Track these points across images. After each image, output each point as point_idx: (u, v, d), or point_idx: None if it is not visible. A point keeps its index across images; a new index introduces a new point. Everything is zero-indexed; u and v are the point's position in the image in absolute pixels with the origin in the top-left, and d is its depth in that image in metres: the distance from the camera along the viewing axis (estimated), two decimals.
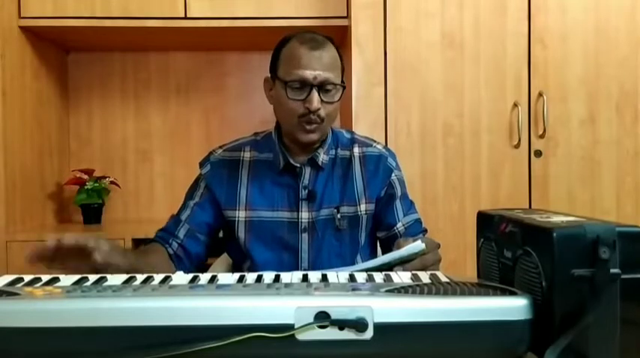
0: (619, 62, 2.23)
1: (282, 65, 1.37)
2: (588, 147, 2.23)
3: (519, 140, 2.21)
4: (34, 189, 2.47)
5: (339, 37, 2.42)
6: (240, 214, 1.41)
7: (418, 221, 1.49)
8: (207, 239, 1.44)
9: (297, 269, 1.40)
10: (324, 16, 2.35)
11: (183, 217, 1.43)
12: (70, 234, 1.07)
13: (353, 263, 1.43)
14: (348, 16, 2.29)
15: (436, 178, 2.22)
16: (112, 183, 2.68)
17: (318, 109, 1.32)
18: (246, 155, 1.46)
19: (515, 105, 2.22)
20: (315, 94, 1.32)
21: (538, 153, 2.23)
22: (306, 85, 1.32)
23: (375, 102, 2.21)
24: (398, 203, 1.47)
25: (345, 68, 1.44)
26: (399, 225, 1.45)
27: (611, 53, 2.23)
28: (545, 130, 2.21)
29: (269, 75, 1.43)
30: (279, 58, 1.38)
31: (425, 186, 2.21)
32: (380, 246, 1.53)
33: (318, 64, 1.32)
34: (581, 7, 2.22)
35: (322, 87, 1.33)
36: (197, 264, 1.43)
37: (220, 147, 1.50)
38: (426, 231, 1.51)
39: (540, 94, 2.22)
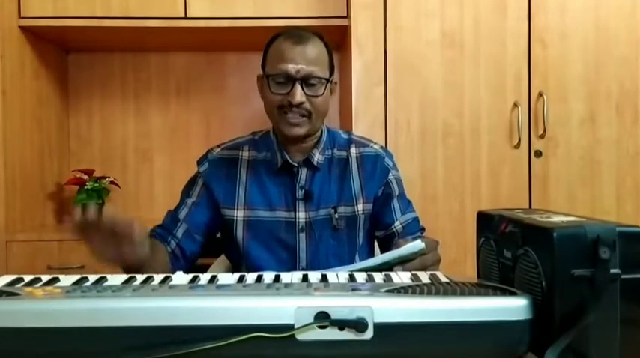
0: (619, 62, 2.23)
1: (268, 61, 1.39)
2: (588, 147, 2.23)
3: (519, 140, 2.21)
4: (34, 189, 2.47)
5: (339, 37, 2.42)
6: (239, 214, 1.41)
7: (416, 219, 1.49)
8: (204, 239, 1.44)
9: (294, 269, 1.40)
10: (324, 16, 2.35)
11: (181, 216, 1.43)
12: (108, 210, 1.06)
13: (351, 263, 1.42)
14: (348, 16, 2.29)
15: (436, 178, 2.22)
16: (112, 183, 2.68)
17: (302, 103, 1.33)
18: (245, 154, 1.46)
19: (515, 105, 2.22)
20: (297, 88, 1.32)
21: (538, 153, 2.23)
22: (289, 79, 1.33)
23: (375, 102, 2.21)
24: (395, 202, 1.47)
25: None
26: (397, 223, 1.45)
27: (611, 53, 2.23)
28: (545, 130, 2.21)
29: (261, 73, 1.43)
30: (266, 55, 1.40)
31: (425, 186, 2.21)
32: (378, 245, 1.53)
33: (300, 58, 1.33)
34: (581, 7, 2.22)
35: (306, 81, 1.33)
36: (191, 262, 1.44)
37: (218, 145, 1.50)
38: (423, 229, 1.51)
39: (540, 94, 2.22)
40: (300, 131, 1.37)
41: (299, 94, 1.32)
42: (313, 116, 1.36)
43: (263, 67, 1.41)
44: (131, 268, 1.15)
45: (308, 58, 1.33)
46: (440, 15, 2.22)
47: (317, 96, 1.35)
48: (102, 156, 2.82)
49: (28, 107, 2.42)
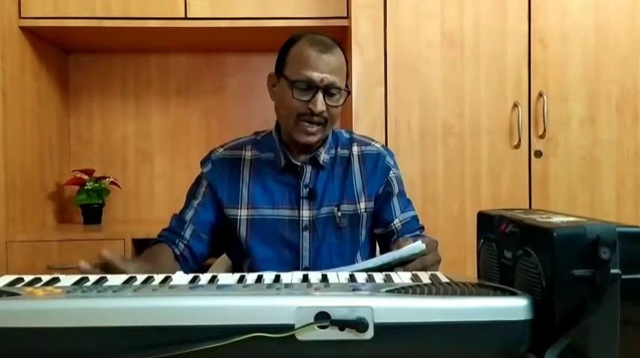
0: (619, 62, 2.23)
1: (289, 64, 1.37)
2: (588, 147, 2.23)
3: (519, 140, 2.21)
4: (34, 189, 2.47)
5: (339, 37, 2.41)
6: (242, 212, 1.42)
7: (415, 218, 1.50)
8: (211, 238, 1.45)
9: (297, 266, 1.41)
10: (324, 17, 2.35)
11: (188, 217, 1.43)
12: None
13: (353, 261, 1.43)
14: (348, 16, 2.29)
15: (436, 178, 2.22)
16: (112, 183, 2.68)
17: (322, 112, 1.34)
18: (248, 154, 1.47)
19: (515, 105, 2.22)
20: (319, 96, 1.33)
21: (538, 154, 2.23)
22: (311, 87, 1.33)
23: (375, 102, 2.21)
24: (395, 200, 1.48)
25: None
26: (396, 221, 1.46)
27: (611, 53, 2.23)
28: (545, 130, 2.21)
29: (273, 71, 1.43)
30: (287, 56, 1.39)
31: (425, 186, 2.21)
32: (377, 242, 1.53)
33: (325, 67, 1.33)
34: (581, 7, 2.22)
35: (327, 90, 1.34)
36: (201, 262, 1.45)
37: (221, 146, 1.51)
38: (423, 228, 1.52)
39: (540, 94, 2.22)
40: (314, 139, 1.38)
41: (320, 103, 1.33)
42: (328, 124, 1.38)
43: (280, 68, 1.40)
44: None
45: (332, 68, 1.34)
46: (440, 15, 2.22)
47: (336, 106, 1.37)
48: (102, 156, 2.82)
49: (28, 107, 2.43)
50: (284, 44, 1.41)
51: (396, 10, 2.21)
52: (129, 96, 2.83)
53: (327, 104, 1.34)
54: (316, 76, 1.32)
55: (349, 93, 1.40)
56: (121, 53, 2.81)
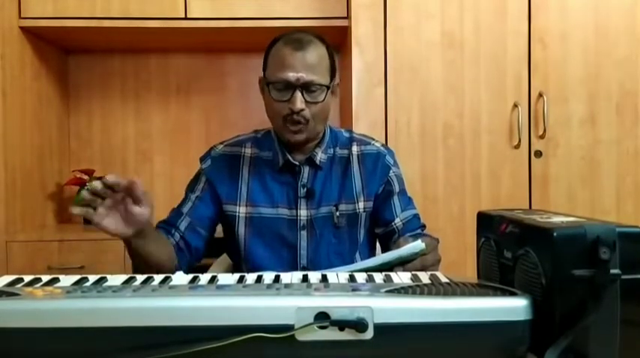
0: (619, 62, 2.23)
1: (269, 66, 1.38)
2: (588, 147, 2.23)
3: (519, 140, 2.21)
4: (34, 189, 2.47)
5: (339, 37, 2.42)
6: (241, 210, 1.42)
7: (416, 216, 1.49)
8: (207, 233, 1.44)
9: (295, 266, 1.41)
10: (324, 17, 2.35)
11: (185, 210, 1.43)
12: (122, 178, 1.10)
13: (352, 261, 1.43)
14: (348, 17, 2.29)
15: (436, 178, 2.22)
16: None
17: (302, 110, 1.33)
18: (247, 151, 1.47)
19: (515, 105, 2.22)
20: (298, 95, 1.32)
21: (538, 154, 2.23)
22: (289, 87, 1.33)
23: (375, 103, 2.21)
24: (396, 199, 1.47)
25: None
26: (397, 220, 1.45)
27: (611, 53, 2.23)
28: (545, 131, 2.21)
29: (262, 75, 1.43)
30: (267, 58, 1.40)
31: (425, 187, 2.21)
32: (379, 242, 1.53)
33: (300, 66, 1.32)
34: (581, 7, 2.22)
35: (306, 87, 1.33)
36: (196, 257, 1.44)
37: (221, 143, 1.51)
38: (424, 226, 1.51)
39: (540, 94, 2.22)
40: (301, 137, 1.37)
41: (299, 102, 1.32)
42: (313, 122, 1.36)
43: (264, 71, 1.41)
44: (139, 252, 1.20)
45: (308, 65, 1.33)
46: (440, 15, 2.22)
47: (317, 103, 1.35)
48: (102, 156, 2.82)
49: (29, 107, 2.43)
50: (267, 46, 1.41)
51: (396, 10, 2.21)
52: (129, 96, 2.83)
53: (307, 101, 1.33)
54: (291, 75, 1.32)
55: (328, 88, 1.36)
56: (121, 53, 2.81)
